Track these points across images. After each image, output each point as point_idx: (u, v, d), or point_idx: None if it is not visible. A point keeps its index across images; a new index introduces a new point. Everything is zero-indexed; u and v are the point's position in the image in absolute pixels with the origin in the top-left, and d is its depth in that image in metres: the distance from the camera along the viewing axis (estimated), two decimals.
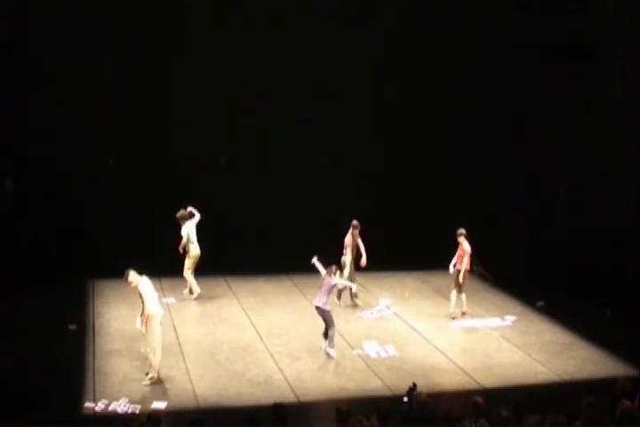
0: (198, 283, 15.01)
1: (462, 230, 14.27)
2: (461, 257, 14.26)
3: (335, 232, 15.00)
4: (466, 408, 7.89)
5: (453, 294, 14.42)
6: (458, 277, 14.31)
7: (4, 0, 15.63)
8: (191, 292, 14.89)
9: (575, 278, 15.77)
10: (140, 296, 11.03)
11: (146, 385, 10.97)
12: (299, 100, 17.11)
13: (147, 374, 11.14)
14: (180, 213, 14.59)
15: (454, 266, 14.25)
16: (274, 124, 17.10)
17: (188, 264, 14.70)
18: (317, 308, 12.41)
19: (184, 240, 14.57)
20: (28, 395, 10.44)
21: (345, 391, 11.13)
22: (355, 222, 14.70)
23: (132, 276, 11.05)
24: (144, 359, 11.63)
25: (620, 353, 12.80)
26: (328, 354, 12.35)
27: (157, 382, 11.08)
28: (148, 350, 11.13)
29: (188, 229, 14.59)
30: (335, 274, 12.59)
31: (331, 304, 12.65)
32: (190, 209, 14.68)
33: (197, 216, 14.69)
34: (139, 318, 11.14)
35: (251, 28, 16.74)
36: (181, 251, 14.62)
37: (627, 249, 15.72)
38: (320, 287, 12.46)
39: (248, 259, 15.85)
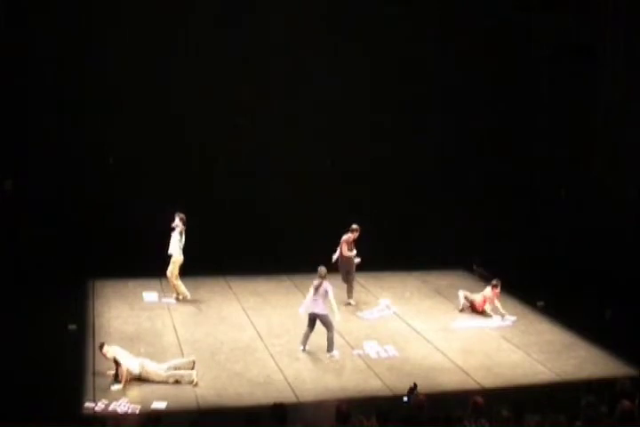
0: (198, 283, 15.01)
1: (496, 281, 14.59)
2: (490, 300, 14.53)
3: (335, 232, 14.99)
4: (466, 408, 7.89)
5: (461, 294, 14.77)
6: (477, 308, 14.62)
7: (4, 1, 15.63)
8: (178, 298, 14.65)
9: (575, 278, 15.78)
10: (115, 362, 11.02)
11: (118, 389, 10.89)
12: (299, 99, 17.11)
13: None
14: (182, 216, 14.51)
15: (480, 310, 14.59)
16: (274, 124, 17.07)
17: (174, 269, 14.46)
18: (321, 315, 12.42)
19: (177, 244, 14.44)
20: (28, 395, 10.42)
21: (345, 391, 11.12)
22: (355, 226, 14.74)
23: (107, 351, 11.13)
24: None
25: (620, 353, 12.82)
26: (332, 356, 12.36)
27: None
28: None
29: (183, 233, 14.50)
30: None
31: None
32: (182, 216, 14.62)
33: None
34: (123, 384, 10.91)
35: (250, 28, 16.74)
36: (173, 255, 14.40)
37: (626, 249, 15.73)
38: (316, 294, 12.38)
39: (248, 259, 15.85)
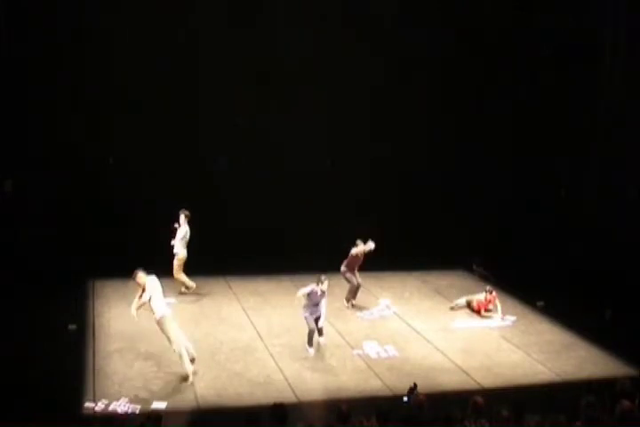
0: (198, 283, 15.03)
1: (490, 288, 14.75)
2: (484, 305, 14.59)
3: (335, 232, 15.00)
4: (466, 408, 7.89)
5: (463, 299, 14.84)
6: (473, 307, 14.68)
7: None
8: (187, 288, 14.94)
9: (575, 278, 15.77)
10: (143, 291, 11.13)
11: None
12: (300, 99, 17.10)
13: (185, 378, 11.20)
14: (187, 213, 14.61)
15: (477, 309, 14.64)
16: (274, 124, 17.07)
17: (178, 265, 14.71)
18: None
19: (180, 239, 14.58)
20: (29, 395, 10.42)
21: (345, 391, 11.13)
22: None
23: (141, 277, 11.19)
24: (144, 359, 11.67)
25: (620, 353, 12.83)
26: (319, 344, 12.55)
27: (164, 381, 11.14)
28: (175, 351, 11.17)
29: (187, 230, 14.63)
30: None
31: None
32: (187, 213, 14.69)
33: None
34: (135, 303, 11.17)
35: (250, 28, 16.74)
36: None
37: (626, 249, 15.72)
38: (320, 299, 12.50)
39: (248, 259, 15.85)
